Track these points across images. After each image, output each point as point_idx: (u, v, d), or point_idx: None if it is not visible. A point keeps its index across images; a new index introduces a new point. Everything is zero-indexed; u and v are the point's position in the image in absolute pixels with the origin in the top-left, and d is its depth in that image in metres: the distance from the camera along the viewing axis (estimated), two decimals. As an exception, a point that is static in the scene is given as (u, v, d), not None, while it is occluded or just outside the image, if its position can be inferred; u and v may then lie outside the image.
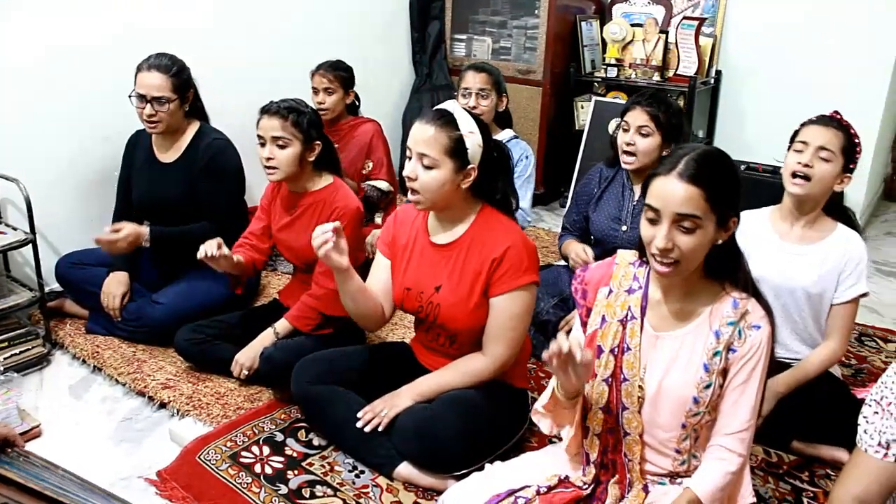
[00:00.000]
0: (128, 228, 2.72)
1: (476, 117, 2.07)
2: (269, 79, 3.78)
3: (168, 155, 2.95)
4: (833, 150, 2.20)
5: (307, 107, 2.55)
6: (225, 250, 2.43)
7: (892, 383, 1.38)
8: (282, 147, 2.47)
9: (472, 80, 3.14)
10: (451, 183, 2.01)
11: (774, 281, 2.30)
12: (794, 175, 2.24)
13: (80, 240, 3.16)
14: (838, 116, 2.27)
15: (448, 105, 2.07)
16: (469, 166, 2.02)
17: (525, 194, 3.16)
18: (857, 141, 2.24)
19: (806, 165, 2.21)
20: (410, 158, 2.03)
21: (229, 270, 2.59)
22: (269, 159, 2.47)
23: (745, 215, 2.42)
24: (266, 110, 2.50)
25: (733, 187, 1.57)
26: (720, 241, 1.58)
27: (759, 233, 2.37)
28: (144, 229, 2.78)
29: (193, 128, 2.95)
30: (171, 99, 2.80)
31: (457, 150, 1.99)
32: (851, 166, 2.25)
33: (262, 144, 2.49)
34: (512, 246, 2.04)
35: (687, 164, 1.52)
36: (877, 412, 1.40)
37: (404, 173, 2.03)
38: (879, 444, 1.38)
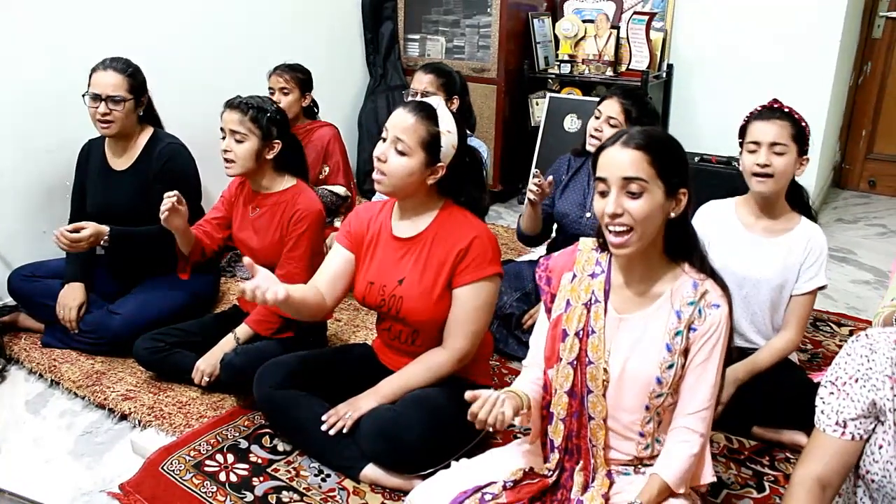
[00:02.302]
0: (89, 228, 2.66)
1: (457, 119, 2.08)
2: (219, 82, 3.73)
3: (121, 162, 2.91)
4: (785, 142, 2.24)
5: (272, 105, 2.56)
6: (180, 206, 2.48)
7: (846, 364, 1.43)
8: (239, 141, 2.46)
9: (418, 82, 3.13)
10: (418, 175, 2.02)
11: (739, 272, 2.33)
12: (755, 174, 2.27)
13: (32, 252, 3.11)
14: (779, 105, 2.30)
15: (432, 101, 2.09)
16: (438, 164, 2.04)
17: None
18: (803, 124, 2.28)
19: (764, 165, 2.24)
20: (385, 140, 2.03)
21: (180, 235, 2.58)
22: (226, 151, 2.48)
23: (711, 205, 2.47)
24: (229, 104, 2.51)
25: (679, 160, 1.63)
26: (673, 215, 1.62)
27: (724, 223, 2.41)
28: (105, 228, 2.72)
29: (147, 134, 2.92)
30: (127, 98, 2.76)
31: (431, 144, 2.01)
32: (805, 148, 2.29)
33: (223, 138, 2.50)
34: (478, 236, 2.06)
35: (631, 134, 1.60)
36: (832, 392, 1.44)
37: (375, 153, 2.04)
38: (837, 423, 1.41)
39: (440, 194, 2.13)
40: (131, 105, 2.79)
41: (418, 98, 3.05)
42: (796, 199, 2.39)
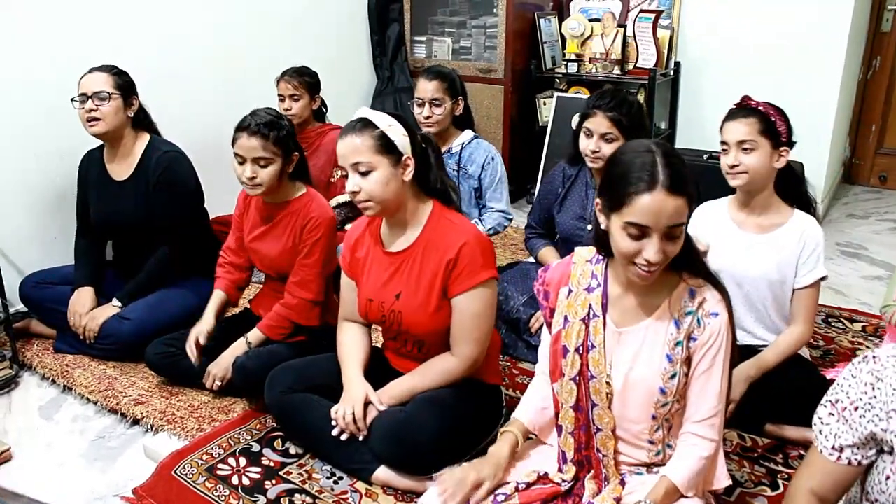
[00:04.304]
0: (96, 314, 2.80)
1: (394, 113, 2.08)
2: (225, 86, 3.76)
3: (121, 172, 2.90)
4: (752, 138, 2.23)
5: (282, 118, 2.51)
6: (203, 338, 2.56)
7: (850, 387, 1.35)
8: (264, 166, 2.43)
9: (424, 90, 3.11)
10: (394, 179, 2.01)
11: (736, 271, 2.33)
12: (727, 173, 2.29)
13: (43, 259, 3.12)
14: (748, 102, 2.29)
15: (359, 112, 2.08)
16: (404, 157, 2.03)
17: (501, 196, 3.19)
18: (773, 119, 2.24)
19: (734, 166, 2.26)
20: (346, 177, 2.03)
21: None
22: (252, 178, 2.42)
23: (705, 206, 2.47)
24: (246, 129, 2.42)
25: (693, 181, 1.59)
26: None
27: (718, 223, 2.41)
28: (112, 310, 2.83)
29: (144, 141, 2.91)
30: (112, 94, 2.76)
31: (385, 145, 2.00)
32: (783, 140, 2.26)
33: (241, 163, 2.44)
34: (466, 244, 2.03)
35: (666, 175, 1.49)
36: (832, 414, 1.37)
37: (348, 189, 2.03)
38: (833, 447, 1.36)
39: (423, 192, 2.12)
40: (118, 103, 2.78)
41: (426, 107, 3.08)
42: (788, 190, 2.37)
